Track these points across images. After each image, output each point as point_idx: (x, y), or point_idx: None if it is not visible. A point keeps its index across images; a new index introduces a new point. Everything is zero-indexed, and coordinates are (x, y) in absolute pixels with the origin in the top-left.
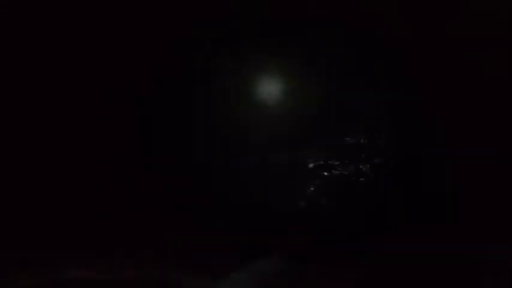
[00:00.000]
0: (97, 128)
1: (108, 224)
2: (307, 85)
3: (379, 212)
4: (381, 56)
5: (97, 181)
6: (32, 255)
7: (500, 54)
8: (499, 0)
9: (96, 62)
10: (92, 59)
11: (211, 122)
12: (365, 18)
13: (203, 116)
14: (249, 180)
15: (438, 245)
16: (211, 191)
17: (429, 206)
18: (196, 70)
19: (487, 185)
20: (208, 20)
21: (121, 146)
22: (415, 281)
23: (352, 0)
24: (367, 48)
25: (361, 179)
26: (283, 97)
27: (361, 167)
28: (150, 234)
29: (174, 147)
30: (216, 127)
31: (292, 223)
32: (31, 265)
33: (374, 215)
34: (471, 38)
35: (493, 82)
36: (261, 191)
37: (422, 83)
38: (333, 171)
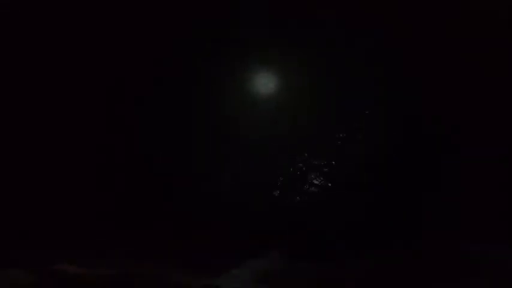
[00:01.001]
0: (96, 127)
1: (108, 223)
2: (306, 85)
3: (379, 212)
4: (380, 56)
5: (97, 181)
6: (31, 252)
7: (501, 54)
8: (499, 0)
9: (94, 62)
10: (90, 59)
11: (210, 122)
12: (365, 18)
13: (202, 115)
14: (249, 180)
15: (438, 245)
16: (211, 190)
17: (429, 205)
18: (195, 70)
19: (487, 184)
20: (207, 20)
21: (121, 146)
22: (414, 280)
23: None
24: (367, 48)
25: (361, 179)
26: (282, 97)
27: (361, 167)
28: (150, 233)
29: (174, 147)
30: (216, 127)
31: (292, 222)
32: (30, 262)
33: (374, 215)
34: (471, 38)
35: (493, 82)
36: (261, 191)
37: (421, 83)
38: (333, 171)
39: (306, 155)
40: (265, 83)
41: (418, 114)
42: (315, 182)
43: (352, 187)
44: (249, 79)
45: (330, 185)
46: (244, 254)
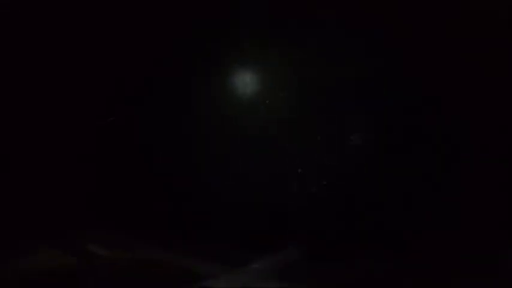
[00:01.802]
0: (99, 127)
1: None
2: (306, 85)
3: (380, 212)
4: (380, 56)
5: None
6: (31, 244)
7: (501, 54)
8: (499, 0)
9: (93, 62)
10: (89, 59)
11: (215, 123)
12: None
13: (204, 116)
14: (264, 181)
15: (438, 245)
16: (220, 188)
17: (429, 205)
18: (194, 70)
19: (487, 185)
20: (204, 20)
21: (123, 146)
22: (415, 280)
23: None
24: (366, 47)
25: (362, 179)
26: (282, 97)
27: (362, 167)
28: (171, 225)
29: (183, 149)
30: (222, 129)
31: (293, 223)
32: (31, 253)
33: (375, 215)
34: (471, 38)
35: (493, 82)
36: (274, 191)
37: (421, 83)
38: (335, 170)
39: (313, 155)
40: (263, 84)
41: (418, 115)
42: (319, 183)
43: (351, 187)
44: (248, 79)
45: (329, 184)
46: (244, 253)
